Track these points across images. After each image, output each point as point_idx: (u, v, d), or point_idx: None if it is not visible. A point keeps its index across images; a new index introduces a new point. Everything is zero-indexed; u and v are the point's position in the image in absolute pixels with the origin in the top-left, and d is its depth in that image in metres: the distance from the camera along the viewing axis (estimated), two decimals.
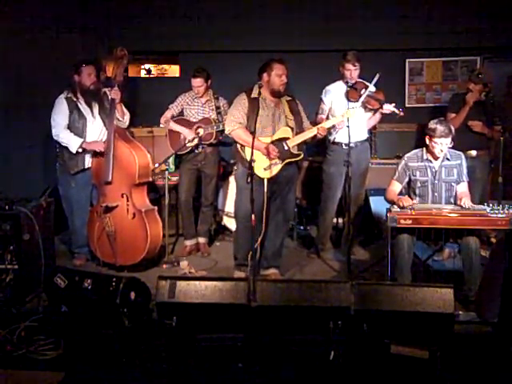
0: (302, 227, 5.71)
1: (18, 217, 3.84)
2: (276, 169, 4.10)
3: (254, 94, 4.10)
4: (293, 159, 4.13)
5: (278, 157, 4.07)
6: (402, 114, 4.36)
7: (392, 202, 3.88)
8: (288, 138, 4.06)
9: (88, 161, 4.57)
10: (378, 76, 4.45)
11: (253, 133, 3.76)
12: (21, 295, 3.83)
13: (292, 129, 4.13)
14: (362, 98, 4.47)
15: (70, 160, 4.54)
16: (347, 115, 4.19)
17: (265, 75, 4.12)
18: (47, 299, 3.67)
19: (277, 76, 4.08)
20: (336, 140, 4.65)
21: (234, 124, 4.12)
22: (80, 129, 4.53)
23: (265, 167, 4.10)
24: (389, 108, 4.40)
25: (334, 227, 5.18)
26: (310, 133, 4.16)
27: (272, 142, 4.08)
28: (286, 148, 4.06)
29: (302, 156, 4.20)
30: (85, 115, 4.56)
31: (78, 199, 4.63)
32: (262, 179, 4.08)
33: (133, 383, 2.96)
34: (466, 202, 3.77)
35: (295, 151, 4.14)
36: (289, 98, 4.23)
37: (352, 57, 4.50)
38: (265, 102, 4.13)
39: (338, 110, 4.55)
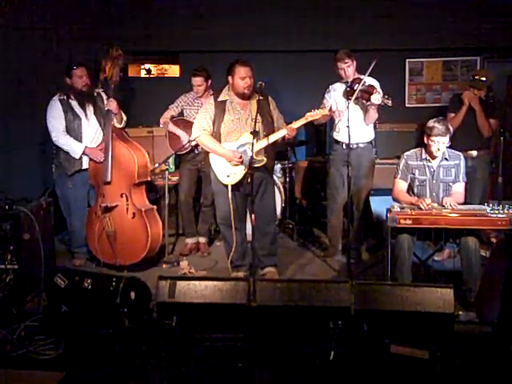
0: (302, 227, 5.69)
1: (18, 217, 3.85)
2: (239, 175, 4.05)
3: (222, 98, 4.11)
4: (255, 165, 3.88)
5: (241, 163, 4.02)
6: (390, 103, 4.26)
7: (409, 203, 3.82)
8: (252, 144, 3.78)
9: (85, 161, 4.57)
10: (374, 62, 4.26)
11: (255, 135, 3.72)
12: (21, 295, 3.83)
13: (258, 132, 3.94)
14: (355, 94, 4.36)
15: (67, 161, 4.55)
16: (322, 111, 4.08)
17: (229, 78, 4.07)
18: (47, 299, 3.67)
19: (240, 79, 4.00)
20: (338, 139, 4.64)
21: (198, 131, 4.14)
22: (76, 130, 4.55)
23: (228, 174, 4.08)
24: (377, 98, 4.25)
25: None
26: (277, 134, 4.04)
27: (237, 148, 4.04)
28: (250, 154, 3.87)
29: (265, 161, 4.04)
30: (80, 116, 4.57)
31: (76, 199, 4.63)
32: (226, 185, 4.08)
33: (133, 383, 2.96)
34: (448, 201, 3.75)
35: (260, 156, 4.01)
36: (260, 98, 3.96)
37: (341, 54, 4.45)
38: (231, 105, 4.10)
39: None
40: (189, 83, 4.92)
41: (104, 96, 4.65)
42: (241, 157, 4.03)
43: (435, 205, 3.80)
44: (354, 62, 4.49)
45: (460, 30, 5.99)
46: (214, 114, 4.11)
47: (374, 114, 4.49)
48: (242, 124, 4.09)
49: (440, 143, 3.85)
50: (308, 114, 4.05)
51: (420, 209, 3.70)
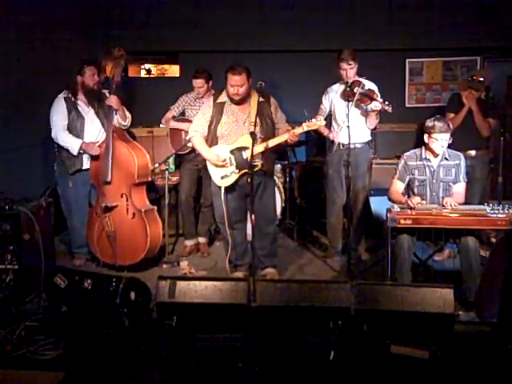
0: (302, 227, 5.69)
1: (18, 217, 3.85)
2: (232, 178, 4.06)
3: (221, 99, 4.10)
4: (250, 170, 3.74)
5: (235, 166, 4.02)
6: (390, 109, 4.28)
7: (400, 203, 3.84)
8: (248, 148, 3.71)
9: (86, 161, 4.57)
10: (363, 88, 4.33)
11: (253, 138, 3.69)
12: (21, 295, 3.83)
13: (255, 136, 3.83)
14: (356, 97, 4.35)
15: (68, 160, 4.55)
16: (319, 123, 4.04)
17: (226, 81, 4.05)
18: (47, 299, 3.66)
19: (229, 85, 3.98)
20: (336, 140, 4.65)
21: (192, 132, 4.17)
22: (78, 128, 4.54)
23: (222, 176, 4.08)
24: (376, 105, 4.29)
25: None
26: (278, 139, 4.00)
27: (232, 151, 4.03)
28: (245, 157, 3.83)
29: (260, 166, 4.00)
30: (83, 115, 4.56)
31: (77, 199, 4.63)
32: (220, 187, 4.09)
33: (133, 383, 2.96)
34: (449, 201, 3.75)
35: (256, 161, 3.90)
36: (261, 100, 3.89)
37: (346, 55, 4.42)
38: (229, 107, 4.08)
39: (338, 111, 4.54)
40: (189, 83, 4.92)
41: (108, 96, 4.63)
42: (224, 160, 4.02)
43: (424, 202, 3.81)
44: (357, 65, 4.48)
45: (460, 30, 5.99)
46: (211, 115, 4.10)
47: (375, 119, 4.50)
48: (239, 126, 4.07)
49: (443, 140, 3.85)
50: (305, 124, 3.98)
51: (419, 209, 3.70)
